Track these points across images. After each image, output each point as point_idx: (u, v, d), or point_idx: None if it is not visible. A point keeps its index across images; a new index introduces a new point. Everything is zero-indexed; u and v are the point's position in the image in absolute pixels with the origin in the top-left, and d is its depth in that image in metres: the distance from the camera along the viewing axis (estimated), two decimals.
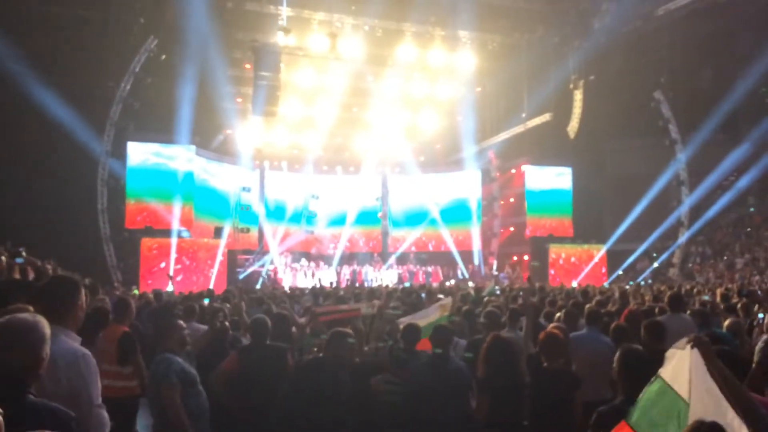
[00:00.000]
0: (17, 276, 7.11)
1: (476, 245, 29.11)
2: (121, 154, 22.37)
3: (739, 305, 7.98)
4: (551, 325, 5.96)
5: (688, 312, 7.20)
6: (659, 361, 3.98)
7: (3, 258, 7.80)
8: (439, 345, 4.87)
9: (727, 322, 6.38)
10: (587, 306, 7.45)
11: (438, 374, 4.63)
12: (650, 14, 22.89)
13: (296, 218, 28.92)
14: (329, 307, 7.80)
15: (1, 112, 18.70)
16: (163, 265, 21.08)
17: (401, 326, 5.81)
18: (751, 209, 26.76)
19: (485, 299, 9.71)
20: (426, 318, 6.23)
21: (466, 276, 27.25)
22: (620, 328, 5.50)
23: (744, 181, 24.41)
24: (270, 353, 5.10)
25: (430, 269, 27.95)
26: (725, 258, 25.13)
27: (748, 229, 26.22)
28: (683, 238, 26.14)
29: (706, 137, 23.59)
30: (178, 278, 20.52)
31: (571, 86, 25.50)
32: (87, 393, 2.87)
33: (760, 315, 6.85)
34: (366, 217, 30.88)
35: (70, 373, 2.85)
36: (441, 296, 9.70)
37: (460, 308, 7.72)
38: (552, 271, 25.15)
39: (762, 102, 20.82)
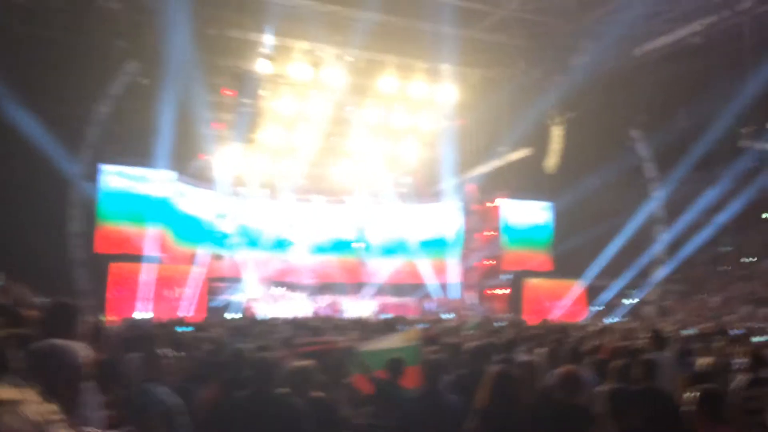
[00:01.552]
0: None
1: (454, 277, 29.02)
2: (95, 178, 21.98)
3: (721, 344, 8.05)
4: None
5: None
6: (648, 400, 3.96)
7: None
8: (430, 378, 4.73)
9: (703, 362, 6.34)
10: (568, 343, 7.42)
11: (431, 410, 4.45)
12: (628, 54, 23.32)
13: (273, 246, 28.62)
14: (308, 338, 7.62)
15: None
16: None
17: (363, 354, 5.69)
18: (726, 248, 27.08)
19: (471, 333, 9.57)
20: (385, 343, 6.06)
21: (433, 309, 27.08)
22: (620, 367, 5.42)
23: (719, 220, 24.72)
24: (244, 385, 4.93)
25: (406, 300, 27.71)
26: (703, 295, 25.33)
27: (724, 268, 26.52)
28: (659, 275, 26.31)
29: (682, 176, 23.93)
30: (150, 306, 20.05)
31: (550, 122, 25.80)
32: None
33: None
34: (344, 247, 30.68)
35: None
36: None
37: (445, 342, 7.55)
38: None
39: (736, 142, 21.19)
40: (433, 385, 4.77)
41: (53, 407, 1.06)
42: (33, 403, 1.02)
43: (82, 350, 2.56)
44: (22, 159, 18.38)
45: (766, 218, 26.84)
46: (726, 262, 26.82)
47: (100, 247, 21.72)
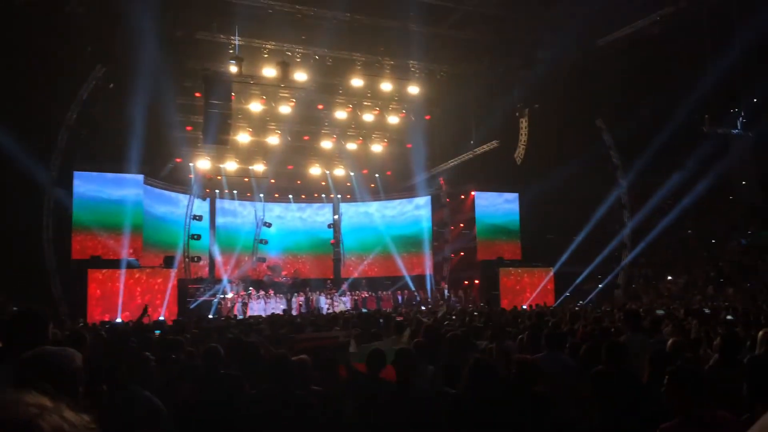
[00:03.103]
0: None
1: (428, 270, 29.49)
2: (67, 183, 21.87)
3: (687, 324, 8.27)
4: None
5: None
6: (625, 382, 4.01)
7: None
8: (402, 370, 4.80)
9: (670, 341, 6.46)
10: (546, 329, 7.62)
11: (399, 406, 4.53)
12: (590, 45, 23.82)
13: (247, 246, 28.72)
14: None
15: None
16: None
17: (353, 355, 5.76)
18: (689, 231, 27.86)
19: (446, 323, 9.89)
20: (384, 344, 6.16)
21: (407, 301, 27.43)
22: (590, 349, 5.58)
23: (682, 205, 25.41)
24: (225, 382, 5.05)
25: (382, 295, 28.03)
26: (669, 279, 26.05)
27: (687, 251, 27.28)
28: (626, 260, 26.99)
29: (646, 163, 24.55)
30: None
31: (517, 114, 26.25)
32: None
33: None
34: (318, 244, 30.91)
35: None
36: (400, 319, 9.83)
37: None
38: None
39: (697, 130, 21.80)
40: (405, 377, 4.76)
41: (88, 417, 1.07)
42: (70, 411, 1.05)
43: (76, 355, 2.43)
44: None
45: (728, 201, 27.64)
46: (690, 245, 27.58)
47: (76, 253, 21.70)
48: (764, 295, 20.10)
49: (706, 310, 12.61)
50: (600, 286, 26.61)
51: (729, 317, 10.25)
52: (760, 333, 5.76)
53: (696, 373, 3.68)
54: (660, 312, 12.04)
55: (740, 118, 20.99)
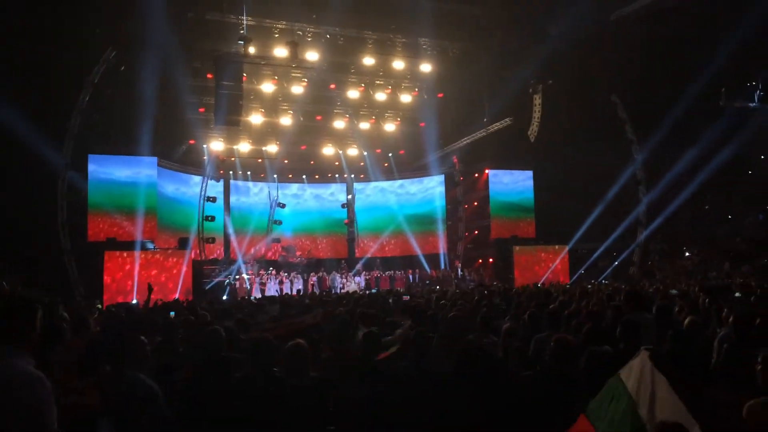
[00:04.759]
0: None
1: (441, 248, 29.46)
2: (81, 167, 22.06)
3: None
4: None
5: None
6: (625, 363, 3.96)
7: None
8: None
9: (687, 321, 6.43)
10: (551, 307, 7.55)
11: (416, 383, 4.58)
12: (604, 19, 23.41)
13: (261, 227, 28.86)
14: (285, 321, 7.83)
15: None
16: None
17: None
18: (706, 207, 27.51)
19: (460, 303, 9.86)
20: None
21: (420, 280, 27.41)
22: (593, 330, 5.48)
23: (698, 180, 25.05)
24: (222, 366, 5.01)
25: (395, 274, 28.05)
26: (687, 255, 25.80)
27: (703, 227, 26.97)
28: (642, 236, 26.77)
29: (662, 138, 24.23)
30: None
31: (530, 90, 25.96)
32: (42, 418, 2.78)
33: None
34: (332, 224, 31.00)
35: (24, 397, 2.75)
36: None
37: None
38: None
39: (714, 103, 21.43)
40: (417, 357, 4.86)
41: None
42: None
43: None
44: (6, 151, 18.39)
45: (746, 175, 27.22)
46: (707, 221, 27.25)
47: (92, 235, 21.95)
48: None
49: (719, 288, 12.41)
50: (615, 263, 26.46)
51: (737, 294, 10.07)
52: None
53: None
54: (673, 292, 11.88)
55: (758, 92, 20.59)
